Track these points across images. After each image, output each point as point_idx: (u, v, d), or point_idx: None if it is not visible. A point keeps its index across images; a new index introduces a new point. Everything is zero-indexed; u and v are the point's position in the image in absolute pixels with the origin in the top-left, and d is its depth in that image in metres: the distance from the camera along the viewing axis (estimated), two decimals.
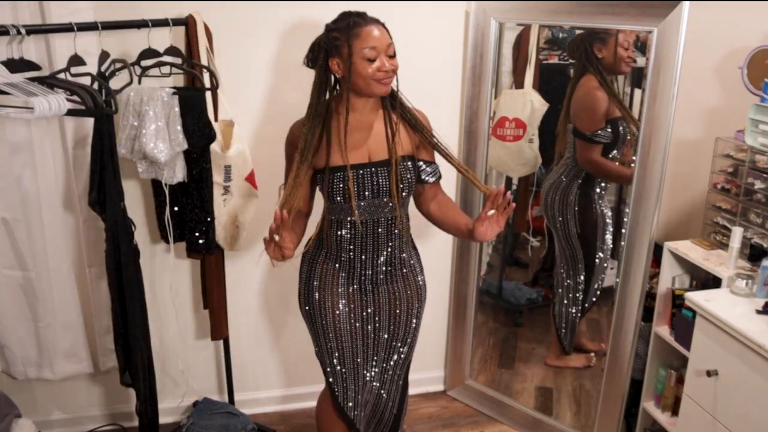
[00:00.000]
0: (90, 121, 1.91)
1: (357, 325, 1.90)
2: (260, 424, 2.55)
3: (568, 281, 2.63)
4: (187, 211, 2.16)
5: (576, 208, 2.51)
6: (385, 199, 1.79)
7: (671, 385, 2.26)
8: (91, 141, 1.85)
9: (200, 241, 2.17)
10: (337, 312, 1.87)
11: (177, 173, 2.05)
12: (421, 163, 1.88)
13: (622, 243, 2.28)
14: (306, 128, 1.75)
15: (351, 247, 1.83)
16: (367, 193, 1.77)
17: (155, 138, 1.94)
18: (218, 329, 2.38)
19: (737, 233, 2.04)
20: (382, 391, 2.02)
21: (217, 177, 2.13)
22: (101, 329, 2.31)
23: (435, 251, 2.68)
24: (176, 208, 2.16)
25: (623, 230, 2.28)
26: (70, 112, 1.72)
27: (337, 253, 1.85)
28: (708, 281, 2.20)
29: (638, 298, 2.25)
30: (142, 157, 1.99)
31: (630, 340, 2.30)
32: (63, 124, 2.10)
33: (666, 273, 2.26)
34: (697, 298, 1.94)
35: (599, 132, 2.38)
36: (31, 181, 2.10)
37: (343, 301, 1.88)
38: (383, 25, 1.73)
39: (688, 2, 1.98)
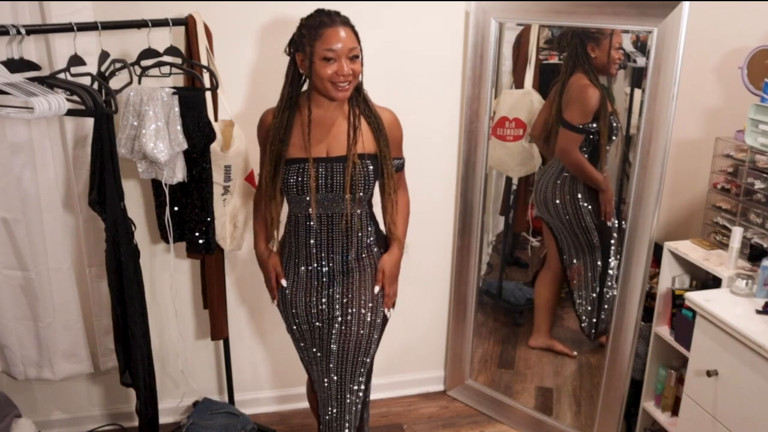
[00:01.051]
0: (90, 121, 1.91)
1: (311, 314, 1.92)
2: (260, 424, 2.55)
3: (583, 273, 2.64)
4: (187, 211, 2.16)
5: (587, 204, 2.52)
6: (339, 195, 1.80)
7: (671, 385, 2.26)
8: (91, 141, 1.85)
9: (200, 241, 2.17)
10: (296, 307, 1.93)
11: (177, 173, 2.05)
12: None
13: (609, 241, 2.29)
14: (276, 120, 1.79)
15: (311, 242, 1.86)
16: (321, 187, 1.79)
17: (155, 138, 1.94)
18: (218, 329, 2.38)
19: (737, 233, 2.04)
20: (348, 397, 1.91)
21: (217, 177, 2.13)
22: (101, 329, 2.31)
23: (435, 251, 2.69)
24: (176, 208, 2.16)
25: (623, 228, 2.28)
26: (70, 112, 1.72)
27: (296, 248, 1.89)
28: (708, 281, 2.20)
29: (638, 298, 2.25)
30: (142, 157, 1.99)
31: (630, 340, 2.30)
32: (63, 124, 2.10)
33: (666, 273, 2.26)
34: (697, 298, 1.94)
35: (587, 125, 2.39)
36: (31, 181, 2.10)
37: (302, 296, 1.92)
38: (352, 27, 1.73)
39: (688, 2, 1.98)
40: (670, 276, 2.26)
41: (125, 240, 1.90)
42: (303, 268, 1.90)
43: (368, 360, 1.93)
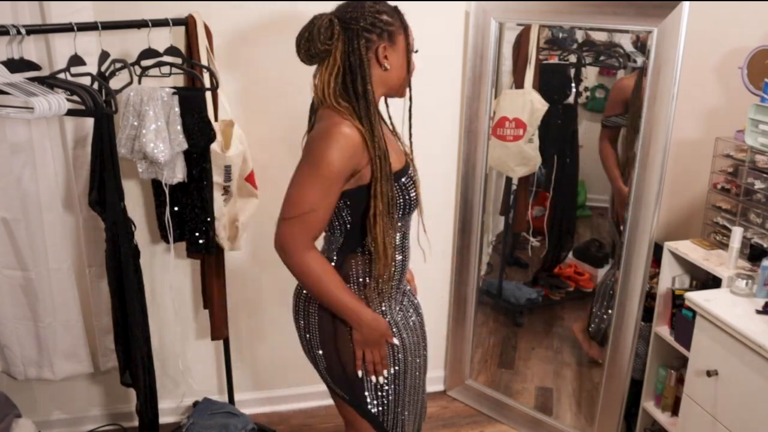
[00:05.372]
0: (90, 121, 1.91)
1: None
2: (260, 424, 2.55)
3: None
4: (187, 211, 2.16)
5: None
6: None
7: (671, 385, 2.26)
8: (91, 141, 1.85)
9: (200, 241, 2.17)
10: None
11: (177, 173, 2.05)
12: None
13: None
14: (367, 129, 1.42)
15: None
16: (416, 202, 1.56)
17: (155, 138, 1.94)
18: (218, 329, 2.38)
19: (737, 233, 2.04)
20: None
21: (217, 177, 2.13)
22: (101, 329, 2.31)
23: (435, 251, 2.69)
24: (176, 208, 2.16)
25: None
26: (70, 112, 1.71)
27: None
28: (708, 281, 2.20)
29: (638, 298, 2.25)
30: (142, 157, 1.99)
31: (630, 340, 2.30)
32: (63, 124, 2.10)
33: (666, 273, 2.26)
34: (697, 298, 1.94)
35: (611, 117, 2.42)
36: (31, 181, 2.10)
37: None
38: None
39: (688, 2, 1.98)
40: (670, 276, 2.26)
41: (125, 240, 1.90)
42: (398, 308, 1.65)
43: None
